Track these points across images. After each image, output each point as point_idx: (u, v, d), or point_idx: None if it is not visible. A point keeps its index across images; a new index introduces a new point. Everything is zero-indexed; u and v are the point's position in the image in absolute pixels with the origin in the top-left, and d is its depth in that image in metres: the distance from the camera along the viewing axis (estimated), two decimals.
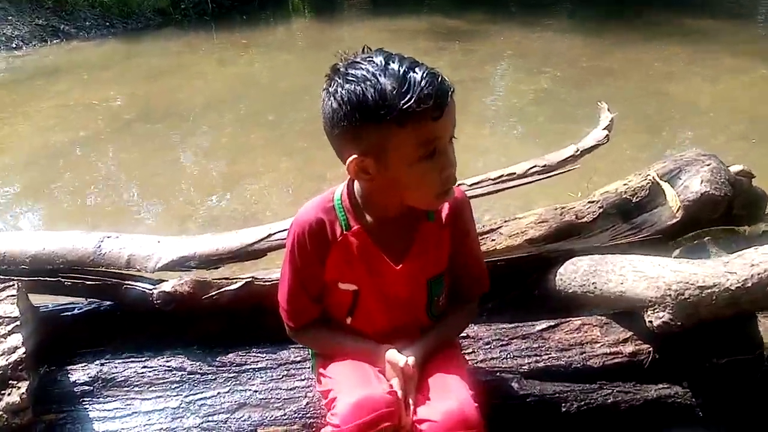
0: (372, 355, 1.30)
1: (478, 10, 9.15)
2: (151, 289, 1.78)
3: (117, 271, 1.85)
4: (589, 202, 2.15)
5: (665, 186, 2.13)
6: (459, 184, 1.43)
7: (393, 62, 1.09)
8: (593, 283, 1.73)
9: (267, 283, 1.78)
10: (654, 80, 5.31)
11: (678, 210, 2.03)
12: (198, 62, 7.49)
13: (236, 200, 3.68)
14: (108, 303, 1.94)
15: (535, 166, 1.98)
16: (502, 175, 1.96)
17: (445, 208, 1.32)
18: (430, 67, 1.11)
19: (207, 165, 4.41)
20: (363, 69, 1.09)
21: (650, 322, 1.56)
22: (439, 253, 1.34)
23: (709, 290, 1.49)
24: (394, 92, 1.06)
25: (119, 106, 5.79)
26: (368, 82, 1.08)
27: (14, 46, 7.62)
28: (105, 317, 1.90)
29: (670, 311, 1.52)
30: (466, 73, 5.74)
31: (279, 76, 6.81)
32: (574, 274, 1.81)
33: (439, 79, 1.09)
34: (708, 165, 2.13)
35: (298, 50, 8.57)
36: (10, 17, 7.91)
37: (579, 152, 2.01)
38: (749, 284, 1.47)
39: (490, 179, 1.94)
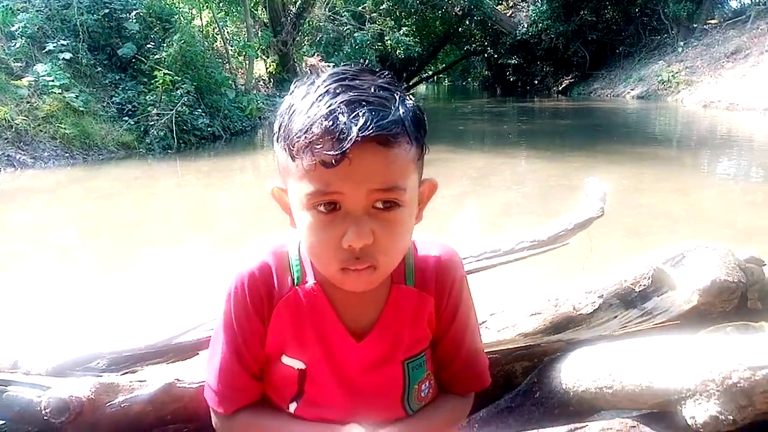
0: None
1: (440, 143, 9.37)
2: (40, 396, 1.36)
3: None
4: (586, 292, 1.89)
5: (671, 271, 1.89)
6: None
7: (329, 83, 0.84)
8: (610, 375, 1.37)
9: (194, 386, 1.37)
10: (625, 195, 5.30)
11: (692, 294, 1.76)
12: (153, 185, 7.34)
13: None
14: None
15: (522, 242, 1.69)
16: (485, 252, 1.66)
17: (431, 270, 1.00)
18: (366, 103, 0.81)
19: (118, 280, 3.91)
20: (305, 83, 0.87)
21: (692, 417, 1.20)
22: (418, 328, 1.01)
23: (763, 370, 1.15)
24: (293, 115, 0.84)
25: (48, 222, 5.49)
26: (292, 98, 0.87)
27: None
28: None
29: (717, 401, 1.17)
30: None
31: (236, 196, 6.72)
32: (584, 366, 1.45)
33: (351, 116, 0.79)
34: (715, 251, 1.92)
35: (258, 174, 8.58)
36: None
37: (572, 227, 1.74)
38: None
39: (471, 256, 1.63)
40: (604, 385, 1.37)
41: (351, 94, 0.81)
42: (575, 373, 1.46)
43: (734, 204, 5.45)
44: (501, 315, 1.80)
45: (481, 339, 1.13)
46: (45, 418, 1.34)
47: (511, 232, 4.38)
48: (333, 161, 0.78)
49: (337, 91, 0.81)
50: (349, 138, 0.77)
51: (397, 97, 0.84)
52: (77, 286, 3.72)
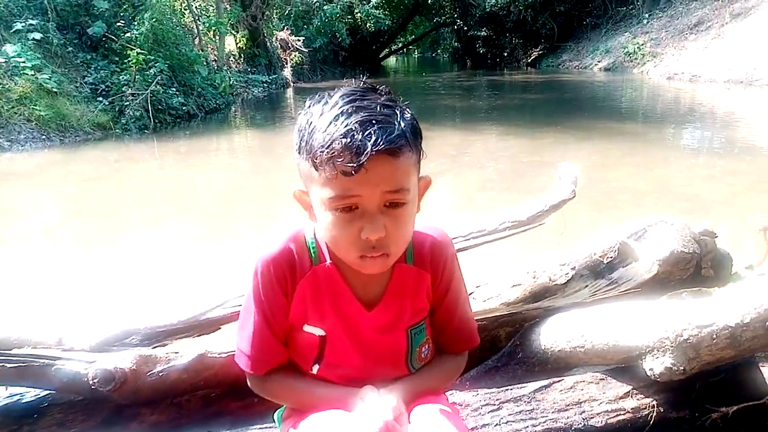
0: (349, 399, 1.14)
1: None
2: (86, 368, 1.54)
3: (45, 351, 1.61)
4: (560, 264, 2.11)
5: (635, 244, 2.12)
6: None
7: (342, 104, 1.01)
8: (582, 336, 1.60)
9: (223, 355, 1.57)
10: (593, 170, 5.57)
11: (653, 264, 2.00)
12: (134, 168, 7.37)
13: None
14: (34, 393, 1.68)
15: (504, 222, 1.90)
16: (472, 232, 1.86)
17: (426, 251, 1.20)
18: (376, 122, 0.98)
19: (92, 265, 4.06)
20: (320, 102, 1.04)
21: (651, 369, 1.44)
22: (417, 299, 1.21)
23: (708, 328, 1.39)
24: (314, 132, 1.00)
25: (35, 206, 5.55)
26: (310, 116, 1.03)
27: None
28: (26, 413, 1.62)
29: (671, 355, 1.41)
30: None
31: (217, 177, 6.84)
32: (560, 329, 1.68)
33: (365, 134, 0.96)
34: (673, 225, 2.15)
35: (237, 155, 8.68)
36: None
37: (548, 208, 1.95)
38: (748, 319, 1.38)
39: (460, 236, 1.84)
40: (577, 345, 1.60)
41: (362, 114, 0.99)
42: (552, 335, 1.69)
43: (695, 178, 5.76)
44: (486, 287, 2.01)
45: (470, 307, 1.35)
46: (92, 387, 1.52)
47: (488, 208, 4.64)
48: (352, 171, 0.97)
49: (350, 111, 0.99)
50: (365, 152, 0.96)
51: (398, 113, 1.03)
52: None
